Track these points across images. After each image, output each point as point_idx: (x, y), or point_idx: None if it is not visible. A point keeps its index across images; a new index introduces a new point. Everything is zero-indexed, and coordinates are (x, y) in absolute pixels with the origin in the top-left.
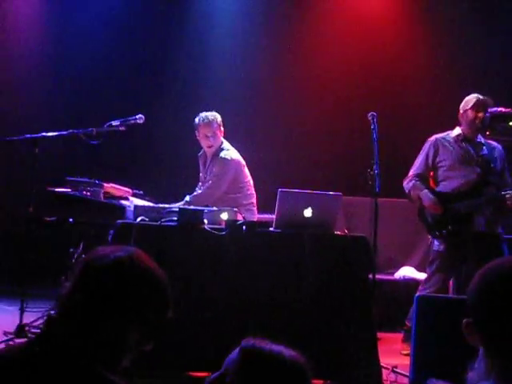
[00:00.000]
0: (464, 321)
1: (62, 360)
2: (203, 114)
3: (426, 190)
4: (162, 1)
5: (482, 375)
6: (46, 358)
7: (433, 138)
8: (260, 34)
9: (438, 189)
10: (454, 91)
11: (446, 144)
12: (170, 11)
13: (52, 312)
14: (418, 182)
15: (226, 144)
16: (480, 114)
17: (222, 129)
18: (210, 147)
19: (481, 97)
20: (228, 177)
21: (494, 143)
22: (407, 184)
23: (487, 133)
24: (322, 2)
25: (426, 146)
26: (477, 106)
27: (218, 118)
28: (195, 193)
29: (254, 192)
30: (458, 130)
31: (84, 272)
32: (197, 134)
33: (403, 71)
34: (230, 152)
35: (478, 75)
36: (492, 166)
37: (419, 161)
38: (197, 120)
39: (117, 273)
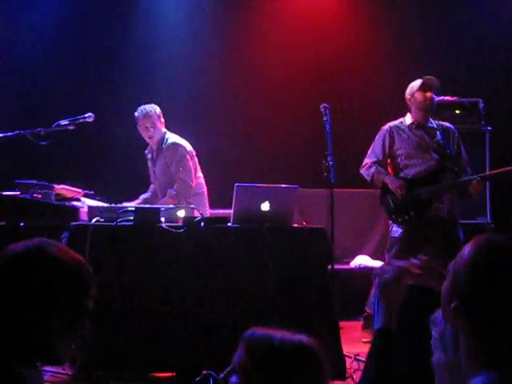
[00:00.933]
0: (452, 305)
1: None
2: (141, 107)
3: (390, 175)
4: None
5: (452, 357)
6: None
7: (386, 126)
8: (211, 27)
9: (398, 176)
10: (403, 80)
11: (401, 132)
12: (119, 7)
13: None
14: (380, 168)
15: (169, 133)
16: (428, 94)
17: (163, 120)
18: (150, 138)
19: (426, 77)
20: (186, 158)
21: (447, 124)
22: (367, 170)
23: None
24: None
25: (381, 134)
26: (424, 86)
27: (157, 109)
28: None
29: (203, 182)
30: (410, 118)
31: None
32: (138, 128)
33: (353, 62)
34: (175, 137)
35: (425, 64)
36: (448, 151)
37: (376, 148)
38: (136, 113)
39: (15, 268)
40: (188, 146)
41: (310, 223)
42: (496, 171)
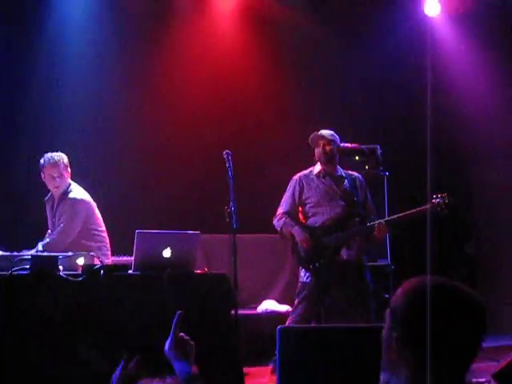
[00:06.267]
0: (393, 334)
1: None
2: (49, 155)
3: (297, 227)
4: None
5: None
6: None
7: (296, 176)
8: (112, 70)
9: (307, 223)
10: (309, 127)
11: (310, 181)
12: (18, 39)
13: None
14: (288, 219)
15: (74, 185)
16: (317, 149)
17: (69, 170)
18: (56, 188)
19: (316, 133)
20: (80, 217)
21: (354, 173)
22: (278, 222)
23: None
24: (175, 39)
25: (291, 184)
26: (313, 142)
27: (65, 158)
28: (47, 239)
29: (105, 235)
30: (318, 167)
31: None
32: (42, 176)
33: (257, 108)
34: (79, 192)
35: (332, 110)
36: (355, 198)
37: (286, 199)
38: (42, 161)
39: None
40: (89, 201)
41: (214, 269)
42: (397, 215)
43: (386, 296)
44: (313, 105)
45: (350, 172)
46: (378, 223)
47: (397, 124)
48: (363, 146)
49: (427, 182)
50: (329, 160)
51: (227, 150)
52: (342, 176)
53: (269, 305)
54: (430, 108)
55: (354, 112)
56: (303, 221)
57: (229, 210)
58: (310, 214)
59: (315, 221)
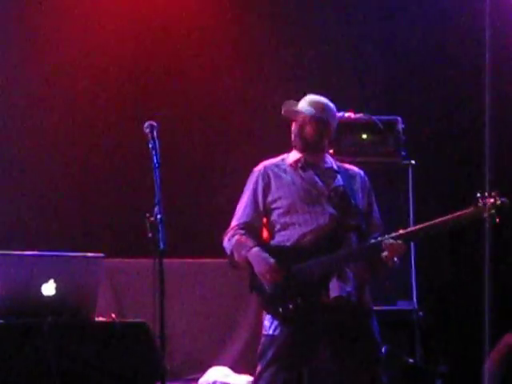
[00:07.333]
0: None
1: None
2: None
3: (257, 249)
4: None
5: None
6: None
7: (260, 166)
8: None
9: (274, 242)
10: (293, 93)
11: (281, 174)
12: None
13: None
14: (244, 237)
15: None
16: (293, 127)
17: None
18: None
19: (293, 102)
20: None
21: (354, 169)
22: (229, 241)
23: (330, 151)
24: None
25: (252, 179)
26: (288, 116)
27: None
28: None
29: None
30: (296, 154)
31: None
32: None
33: (202, 59)
34: None
35: (329, 67)
36: (352, 202)
37: (243, 204)
38: None
39: None
40: None
41: (127, 316)
42: (419, 227)
43: (411, 361)
44: (300, 58)
45: (347, 166)
46: (384, 240)
47: (428, 87)
48: (375, 118)
49: (485, 175)
50: (309, 147)
51: (151, 122)
52: (332, 169)
53: (219, 375)
54: (488, 66)
55: (364, 69)
56: (269, 237)
57: (152, 219)
58: (278, 227)
59: (287, 237)
